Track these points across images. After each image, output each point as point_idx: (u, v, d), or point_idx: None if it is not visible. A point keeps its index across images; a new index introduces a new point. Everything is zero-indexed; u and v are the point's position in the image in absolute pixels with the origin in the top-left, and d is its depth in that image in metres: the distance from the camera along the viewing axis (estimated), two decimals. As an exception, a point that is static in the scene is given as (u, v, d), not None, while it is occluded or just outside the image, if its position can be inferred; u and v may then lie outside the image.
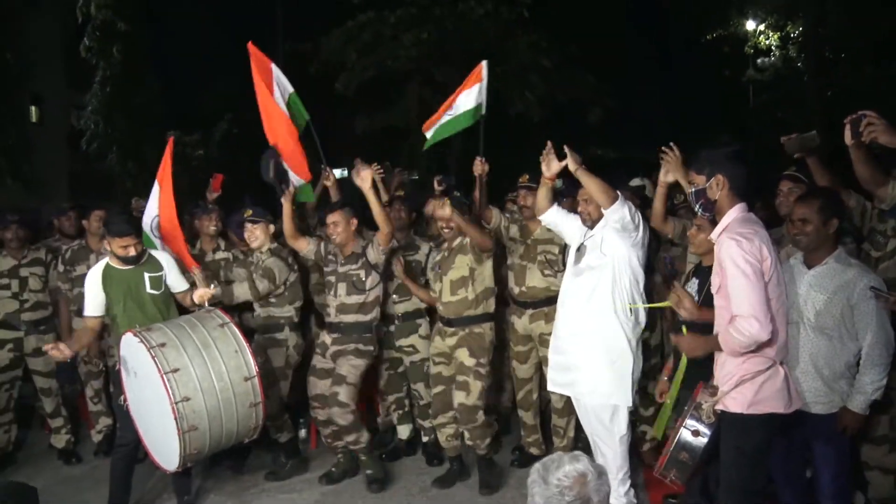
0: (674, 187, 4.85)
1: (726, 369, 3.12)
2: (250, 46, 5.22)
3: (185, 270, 4.75)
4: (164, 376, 3.88)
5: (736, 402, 3.08)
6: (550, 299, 4.69)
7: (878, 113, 3.19)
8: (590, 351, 4.13)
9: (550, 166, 4.25)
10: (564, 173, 4.33)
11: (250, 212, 5.09)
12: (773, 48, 19.88)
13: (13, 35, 16.86)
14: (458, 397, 4.82)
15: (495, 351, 5.14)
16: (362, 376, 4.97)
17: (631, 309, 4.10)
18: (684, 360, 3.65)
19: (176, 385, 3.91)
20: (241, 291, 4.93)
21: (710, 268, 3.42)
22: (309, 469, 5.26)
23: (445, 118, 5.29)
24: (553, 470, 1.99)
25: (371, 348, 4.99)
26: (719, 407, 3.15)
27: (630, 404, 4.14)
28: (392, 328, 5.34)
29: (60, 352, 4.34)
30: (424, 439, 5.41)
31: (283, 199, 4.98)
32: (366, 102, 17.41)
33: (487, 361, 4.86)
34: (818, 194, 3.45)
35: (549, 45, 15.73)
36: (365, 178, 4.70)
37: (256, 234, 5.05)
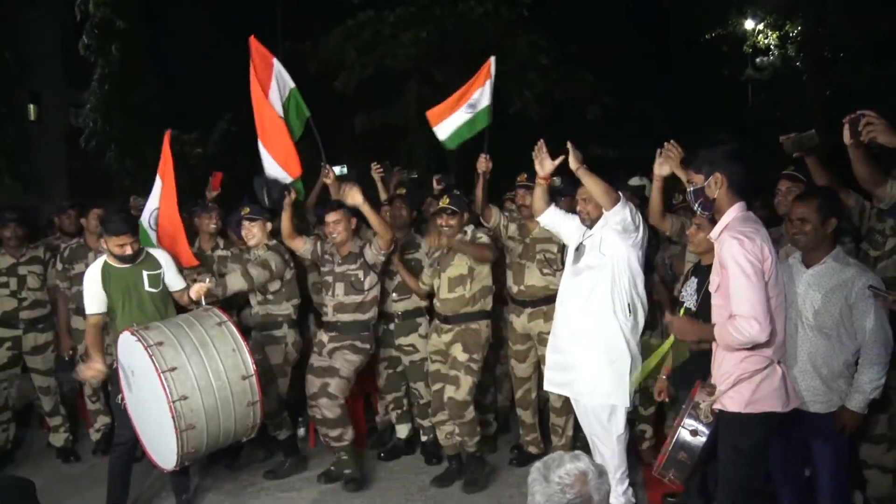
0: (672, 187, 4.87)
1: (724, 368, 3.12)
2: (252, 41, 5.21)
3: (181, 269, 4.75)
4: (161, 375, 3.87)
5: (734, 400, 3.07)
6: (549, 298, 4.68)
7: (877, 112, 3.18)
8: (589, 351, 4.13)
9: (544, 165, 4.26)
10: (562, 171, 4.33)
11: (248, 209, 5.10)
12: (771, 47, 19.89)
13: (12, 33, 16.87)
14: (448, 391, 4.81)
15: (492, 349, 5.15)
16: (356, 372, 4.97)
17: (630, 308, 4.09)
18: (671, 338, 3.63)
19: (173, 384, 3.90)
20: (234, 281, 4.91)
21: (709, 266, 3.41)
22: (308, 468, 5.26)
23: (465, 116, 5.25)
24: (554, 468, 1.99)
25: (368, 346, 4.99)
26: (717, 406, 3.14)
27: (628, 405, 4.14)
28: (392, 327, 5.34)
29: (98, 371, 4.36)
30: (423, 438, 5.41)
31: (285, 205, 4.99)
32: (365, 101, 17.43)
33: (481, 358, 4.86)
34: (817, 193, 3.45)
35: (548, 45, 15.74)
36: (355, 196, 4.68)
37: (254, 232, 5.06)
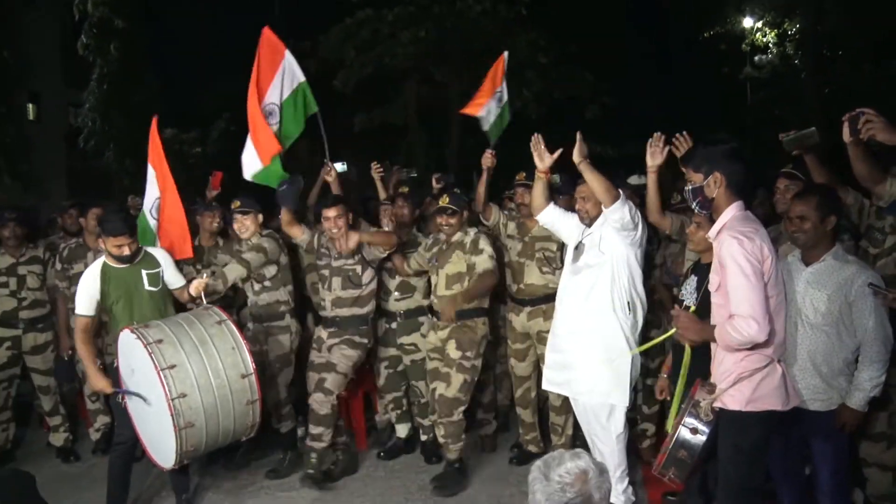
0: (670, 186, 4.87)
1: (724, 367, 3.11)
2: (266, 31, 5.20)
3: (181, 266, 4.75)
4: (160, 373, 3.87)
5: (734, 399, 3.07)
6: (549, 297, 4.68)
7: (876, 110, 3.18)
8: (588, 349, 4.13)
9: (543, 158, 4.25)
10: (562, 169, 4.33)
11: (238, 203, 5.09)
12: (770, 45, 19.90)
13: (11, 33, 16.86)
14: (439, 388, 4.80)
15: (492, 348, 5.15)
16: (355, 367, 4.98)
17: (629, 307, 4.10)
18: (688, 353, 3.61)
19: (172, 381, 3.90)
20: (233, 269, 4.90)
21: (708, 265, 3.41)
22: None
23: (496, 110, 5.27)
24: (554, 467, 1.99)
25: (366, 341, 4.99)
26: (717, 404, 3.14)
27: (627, 404, 4.14)
28: (394, 325, 5.34)
29: (104, 389, 4.33)
30: (423, 438, 5.40)
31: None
32: (364, 100, 17.43)
33: (475, 356, 4.84)
34: (816, 191, 3.45)
35: (547, 44, 15.74)
36: (353, 240, 4.75)
37: (246, 224, 5.06)
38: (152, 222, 4.97)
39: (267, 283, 5.11)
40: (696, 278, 3.80)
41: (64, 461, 5.63)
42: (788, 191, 4.10)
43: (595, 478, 1.98)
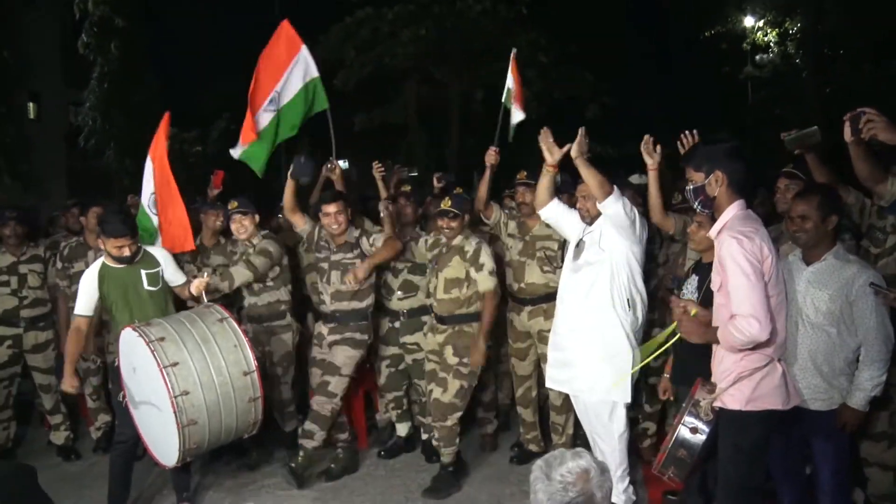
0: (671, 186, 4.87)
1: (724, 366, 3.11)
2: (285, 24, 5.21)
3: (182, 264, 4.75)
4: (163, 370, 3.88)
5: (734, 398, 3.07)
6: (549, 296, 4.68)
7: (877, 110, 3.19)
8: (588, 347, 4.13)
9: (552, 153, 4.23)
10: (562, 167, 4.33)
11: (236, 203, 5.10)
12: (771, 45, 19.90)
13: (11, 32, 16.85)
14: (435, 393, 4.81)
15: (493, 348, 5.14)
16: (357, 367, 4.98)
17: (629, 304, 4.10)
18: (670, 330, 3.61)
19: (175, 379, 3.91)
20: (240, 273, 4.90)
21: (709, 265, 3.41)
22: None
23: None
24: (556, 466, 2.00)
25: (366, 337, 4.99)
26: (717, 404, 3.14)
27: (629, 401, 4.14)
28: (397, 325, 5.34)
29: (73, 387, 4.34)
30: (424, 437, 5.40)
31: (290, 178, 5.00)
32: (364, 99, 17.43)
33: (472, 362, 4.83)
34: (817, 191, 3.45)
35: (547, 43, 15.74)
36: (360, 273, 4.74)
37: (245, 225, 5.06)
38: (154, 219, 4.96)
39: (269, 284, 5.12)
40: (697, 278, 3.81)
41: (65, 460, 5.63)
42: (789, 190, 4.11)
43: (597, 477, 1.98)
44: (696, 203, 3.17)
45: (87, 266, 4.58)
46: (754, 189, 4.42)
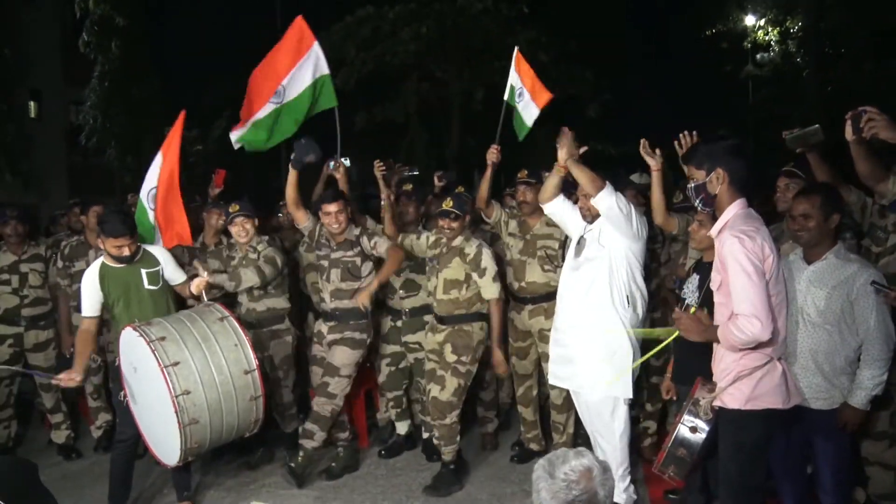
0: (672, 187, 4.87)
1: (723, 365, 3.11)
2: (299, 20, 5.21)
3: (182, 264, 4.76)
4: (164, 370, 3.88)
5: (733, 397, 3.06)
6: (550, 295, 4.68)
7: (878, 109, 3.18)
8: (589, 344, 4.13)
9: (570, 153, 4.15)
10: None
11: (237, 207, 5.07)
12: (772, 43, 19.88)
13: (11, 31, 16.83)
14: (433, 391, 4.81)
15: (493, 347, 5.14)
16: (357, 366, 4.97)
17: (629, 301, 4.09)
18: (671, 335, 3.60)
19: (176, 378, 3.91)
20: (249, 276, 4.87)
21: (710, 264, 3.40)
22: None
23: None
24: (559, 465, 2.00)
25: (366, 337, 4.98)
26: (717, 403, 3.14)
27: (630, 396, 4.14)
28: (399, 323, 5.33)
29: (73, 380, 4.29)
30: (425, 435, 5.41)
31: (291, 168, 4.97)
32: (365, 98, 17.41)
33: (471, 360, 4.82)
34: (819, 190, 3.44)
35: (548, 42, 15.73)
36: (366, 298, 4.71)
37: (247, 229, 5.05)
38: (150, 213, 4.95)
39: (271, 291, 5.12)
40: (698, 277, 3.80)
41: (66, 459, 5.64)
42: (789, 189, 4.11)
43: (599, 475, 1.99)
44: (697, 201, 3.16)
45: (87, 265, 4.58)
46: (756, 187, 4.42)
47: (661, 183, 4.24)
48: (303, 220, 5.10)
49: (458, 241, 4.85)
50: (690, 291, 3.80)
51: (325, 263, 5.00)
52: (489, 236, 5.42)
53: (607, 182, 3.99)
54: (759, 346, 2.97)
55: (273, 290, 5.12)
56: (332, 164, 5.44)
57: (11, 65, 16.70)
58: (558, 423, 4.98)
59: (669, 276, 4.91)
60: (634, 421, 4.68)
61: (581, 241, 4.27)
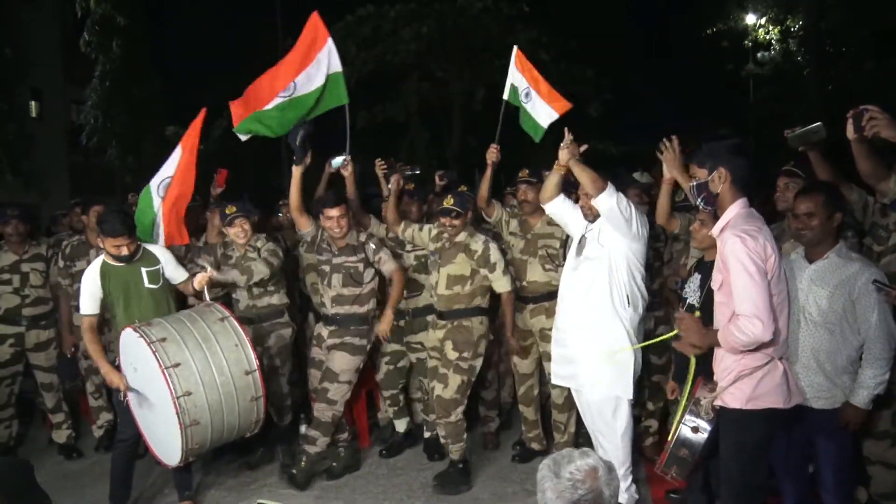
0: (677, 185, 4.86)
1: (724, 364, 3.10)
2: (315, 16, 5.20)
3: (182, 263, 4.76)
4: (164, 371, 3.87)
5: (734, 397, 3.06)
6: (551, 294, 4.68)
7: (879, 107, 3.17)
8: (590, 343, 4.13)
9: (573, 153, 4.15)
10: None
11: (234, 208, 5.06)
12: (773, 42, 19.87)
13: (12, 30, 16.82)
14: (437, 389, 4.81)
15: (495, 346, 5.13)
16: (357, 371, 4.97)
17: (629, 300, 4.09)
18: (693, 361, 3.59)
19: (177, 380, 3.91)
20: (259, 269, 4.87)
21: (711, 263, 3.39)
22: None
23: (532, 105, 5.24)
24: (564, 465, 2.01)
25: (366, 342, 4.97)
26: (718, 403, 3.14)
27: (631, 396, 4.14)
28: (401, 323, 5.33)
29: (114, 381, 4.26)
30: (427, 434, 5.41)
31: (294, 167, 4.92)
32: (366, 97, 17.42)
33: (472, 356, 4.82)
34: (821, 188, 3.44)
35: (549, 41, 15.73)
36: (385, 328, 4.80)
37: (245, 229, 5.05)
38: (157, 201, 4.93)
39: (269, 288, 5.12)
40: (699, 276, 3.79)
41: (66, 458, 5.64)
42: (789, 189, 4.10)
43: (605, 475, 2.00)
44: (699, 199, 3.16)
45: (88, 265, 4.58)
46: (757, 186, 4.42)
47: (670, 193, 4.24)
48: (305, 226, 5.05)
49: (461, 236, 4.84)
50: (692, 291, 3.79)
51: (327, 268, 4.98)
52: (490, 235, 5.41)
53: (609, 183, 3.99)
54: (760, 345, 2.97)
55: (272, 286, 5.12)
56: (334, 162, 5.41)
57: (12, 64, 16.70)
58: (559, 422, 4.97)
59: (672, 275, 4.91)
60: (636, 420, 4.68)
61: (582, 241, 4.27)
